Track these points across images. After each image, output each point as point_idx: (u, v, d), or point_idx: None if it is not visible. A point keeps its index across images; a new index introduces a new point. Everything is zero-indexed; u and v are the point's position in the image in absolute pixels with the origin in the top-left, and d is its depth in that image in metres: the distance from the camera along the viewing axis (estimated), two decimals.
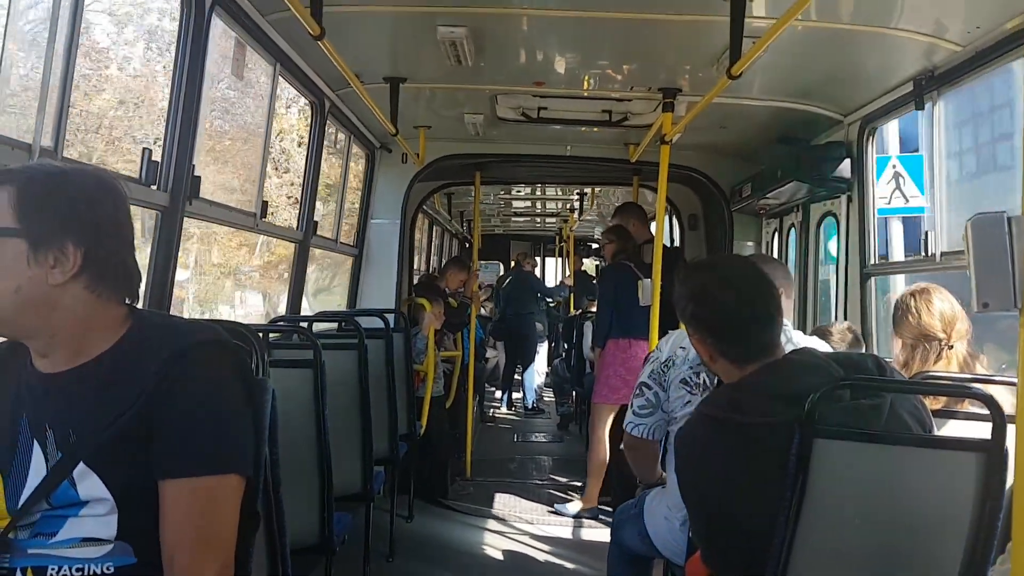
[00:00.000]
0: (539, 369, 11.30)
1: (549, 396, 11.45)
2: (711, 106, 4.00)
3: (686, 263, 5.75)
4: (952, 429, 2.27)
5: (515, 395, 10.97)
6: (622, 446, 3.19)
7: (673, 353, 2.87)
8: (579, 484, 6.39)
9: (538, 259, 15.27)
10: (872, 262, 4.40)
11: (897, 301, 2.83)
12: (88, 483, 1.48)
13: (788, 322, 2.81)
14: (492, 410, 10.50)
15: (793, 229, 5.80)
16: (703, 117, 4.34)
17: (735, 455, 1.92)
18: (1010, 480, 1.74)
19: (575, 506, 5.93)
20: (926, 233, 3.74)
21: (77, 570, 1.49)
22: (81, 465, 1.48)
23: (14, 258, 1.49)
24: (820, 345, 2.78)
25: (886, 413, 1.89)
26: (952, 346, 2.64)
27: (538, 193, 10.80)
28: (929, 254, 3.73)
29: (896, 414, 1.90)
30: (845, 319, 4.38)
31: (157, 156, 2.93)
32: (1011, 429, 1.70)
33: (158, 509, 1.49)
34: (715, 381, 2.76)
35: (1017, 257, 1.08)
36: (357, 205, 6.19)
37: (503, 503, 6.18)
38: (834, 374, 1.92)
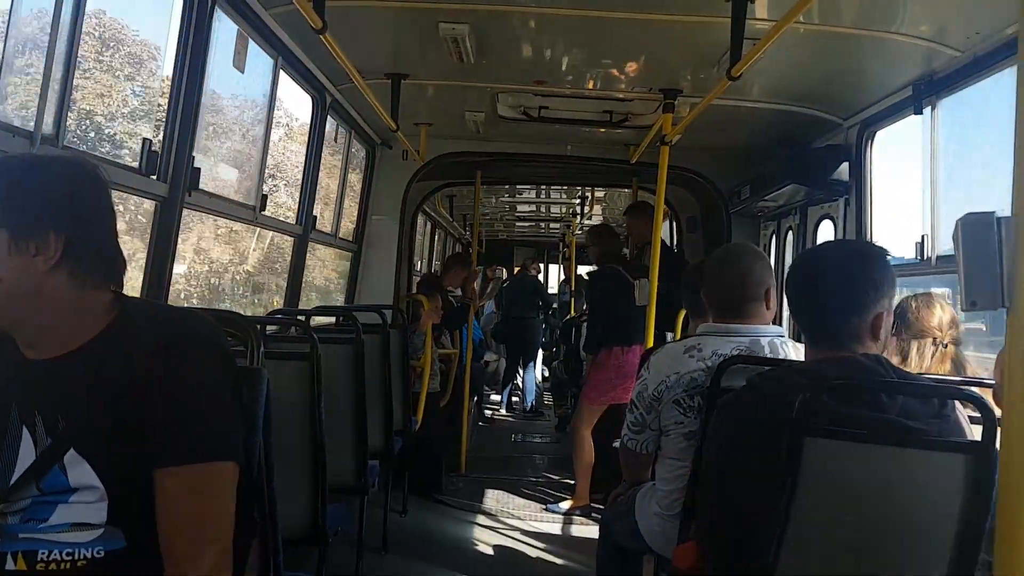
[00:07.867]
0: (538, 372, 11.30)
1: (549, 400, 11.45)
2: (711, 108, 4.01)
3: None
4: None
5: (514, 398, 10.97)
6: (615, 444, 3.20)
7: (666, 376, 2.81)
8: (573, 483, 6.40)
9: (541, 265, 15.25)
10: None
11: (898, 304, 2.88)
12: (78, 470, 1.49)
13: (784, 331, 2.81)
14: (491, 412, 10.49)
15: (791, 232, 5.81)
16: (703, 119, 4.35)
17: (753, 432, 1.94)
18: None
19: (567, 504, 5.95)
20: (923, 237, 3.76)
21: (67, 554, 1.49)
22: (71, 452, 1.49)
23: None
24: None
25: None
26: (947, 345, 2.85)
27: (541, 197, 10.79)
28: (925, 258, 3.75)
29: None
30: None
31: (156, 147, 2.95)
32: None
33: (149, 496, 1.49)
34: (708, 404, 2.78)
35: (1005, 256, 1.10)
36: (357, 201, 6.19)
37: (497, 499, 6.20)
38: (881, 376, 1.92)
